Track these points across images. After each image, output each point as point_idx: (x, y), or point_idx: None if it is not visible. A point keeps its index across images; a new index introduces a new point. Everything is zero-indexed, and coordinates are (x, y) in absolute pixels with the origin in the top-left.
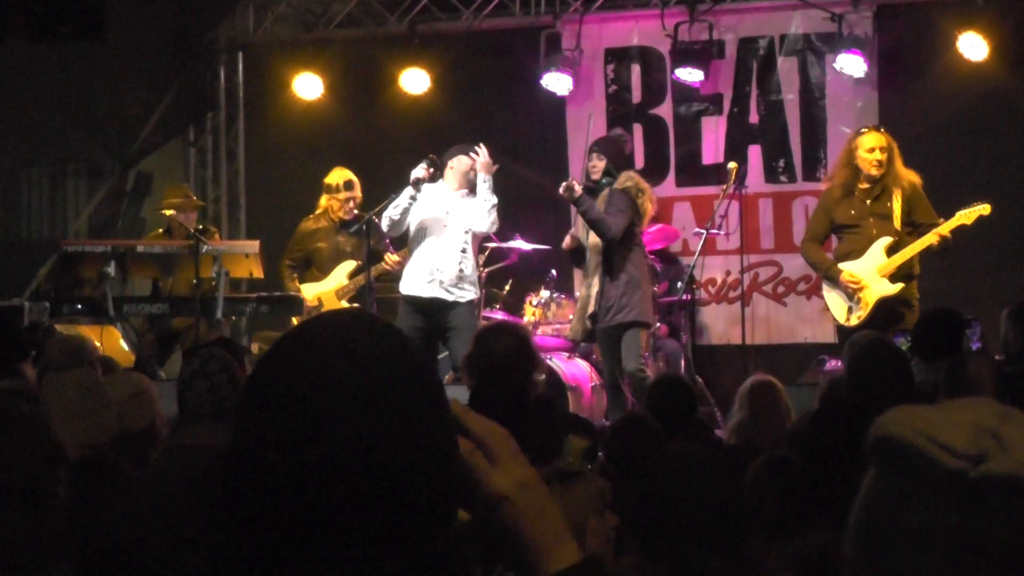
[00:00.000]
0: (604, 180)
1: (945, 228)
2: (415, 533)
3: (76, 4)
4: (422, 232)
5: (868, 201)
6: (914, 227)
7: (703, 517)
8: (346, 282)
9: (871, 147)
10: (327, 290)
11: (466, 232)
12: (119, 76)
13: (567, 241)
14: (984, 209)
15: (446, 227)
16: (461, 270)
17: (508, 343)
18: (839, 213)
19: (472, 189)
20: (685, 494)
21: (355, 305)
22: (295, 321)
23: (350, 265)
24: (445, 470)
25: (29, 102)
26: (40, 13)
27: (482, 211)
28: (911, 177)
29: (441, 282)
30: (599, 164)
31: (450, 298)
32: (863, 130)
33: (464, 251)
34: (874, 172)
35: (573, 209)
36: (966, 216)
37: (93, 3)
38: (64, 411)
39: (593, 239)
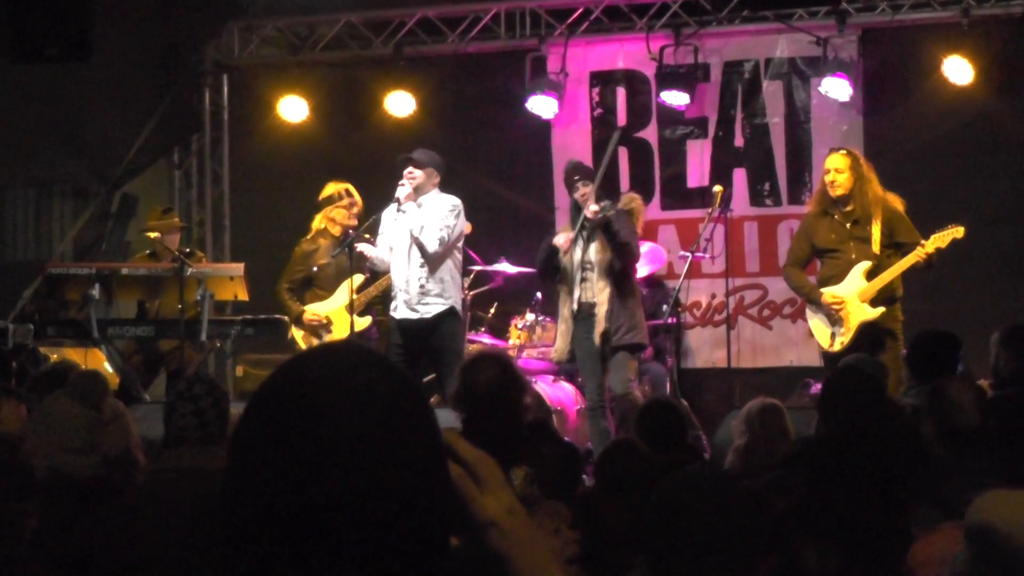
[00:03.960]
0: (606, 203)
1: (922, 251)
2: (413, 563)
3: (62, 25)
4: (393, 253)
5: (848, 225)
6: (898, 248)
7: (717, 540)
8: (355, 296)
9: (826, 168)
10: (336, 307)
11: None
12: (105, 98)
13: (566, 244)
14: (957, 232)
15: (403, 245)
16: (422, 285)
17: (492, 374)
18: (820, 237)
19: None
20: (698, 516)
21: (367, 317)
22: (299, 339)
23: (358, 279)
24: (441, 499)
25: (14, 123)
26: (26, 34)
27: (433, 232)
28: (890, 199)
29: (406, 301)
30: (586, 191)
31: (415, 316)
32: (829, 151)
33: (423, 265)
34: (832, 193)
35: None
36: (940, 239)
37: (79, 24)
38: (58, 438)
39: (600, 257)
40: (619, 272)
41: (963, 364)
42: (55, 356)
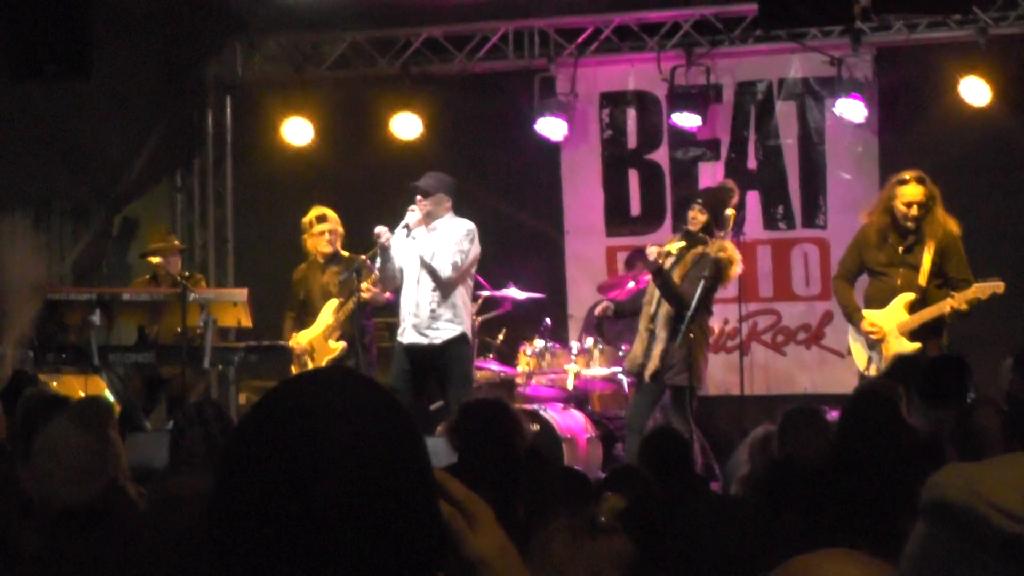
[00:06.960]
0: (701, 234)
1: (958, 301)
2: (405, 568)
3: (61, 42)
4: (403, 277)
5: (900, 249)
6: (945, 280)
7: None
8: (331, 320)
9: (909, 201)
10: (316, 334)
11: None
12: (105, 116)
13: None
14: (998, 287)
15: (413, 269)
16: (433, 310)
17: (488, 418)
18: (870, 256)
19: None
20: (711, 547)
21: (342, 343)
22: (295, 370)
23: (334, 303)
24: (428, 523)
25: (13, 142)
26: (24, 51)
27: (446, 257)
28: (949, 227)
29: (416, 326)
30: (700, 218)
31: (424, 341)
32: (906, 177)
33: (435, 289)
34: (908, 225)
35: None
36: (980, 290)
37: (79, 41)
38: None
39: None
40: (675, 316)
41: (974, 389)
42: (55, 383)
